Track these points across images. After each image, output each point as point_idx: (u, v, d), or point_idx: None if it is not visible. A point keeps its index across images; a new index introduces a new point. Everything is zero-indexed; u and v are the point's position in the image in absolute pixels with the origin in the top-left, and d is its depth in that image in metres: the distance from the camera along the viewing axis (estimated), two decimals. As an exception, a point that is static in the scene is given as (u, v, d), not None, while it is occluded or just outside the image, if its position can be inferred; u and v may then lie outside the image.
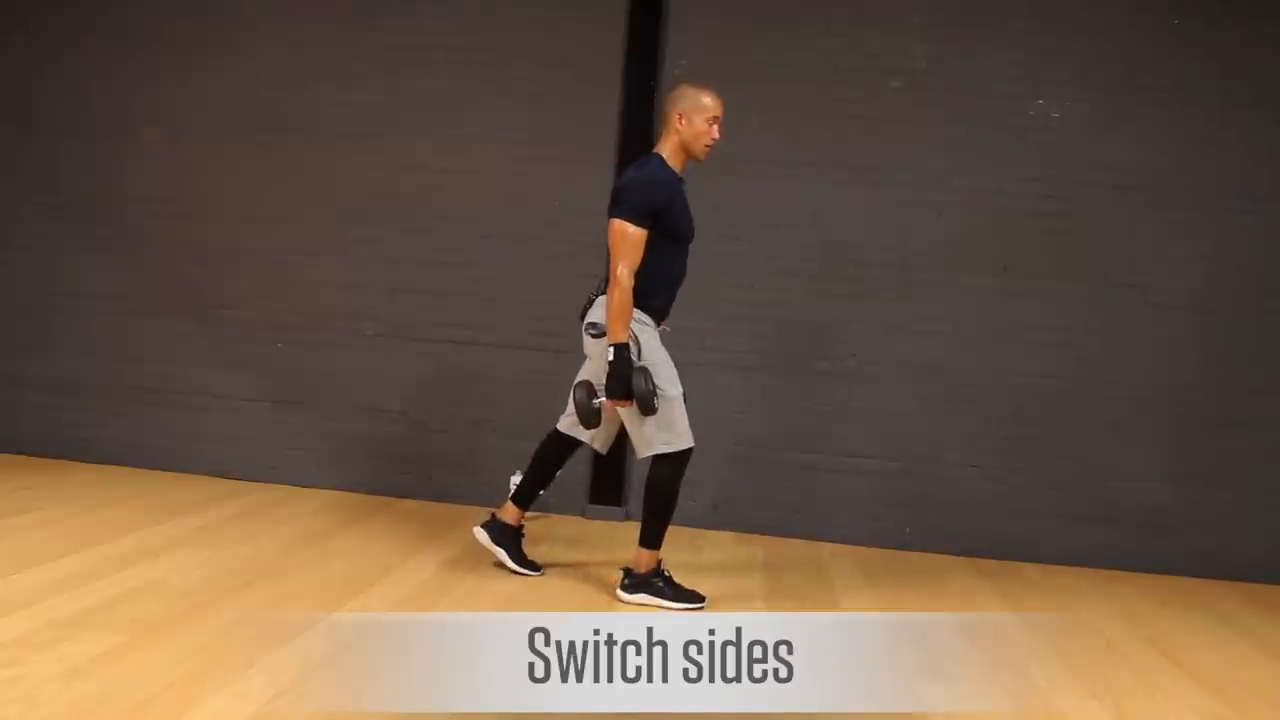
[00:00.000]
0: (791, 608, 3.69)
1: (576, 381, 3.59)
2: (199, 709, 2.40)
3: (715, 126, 3.56)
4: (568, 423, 3.77)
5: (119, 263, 5.15)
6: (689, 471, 3.62)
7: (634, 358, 3.43)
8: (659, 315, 3.61)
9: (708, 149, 3.59)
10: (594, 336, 3.54)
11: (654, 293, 3.53)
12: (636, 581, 3.58)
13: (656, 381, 3.42)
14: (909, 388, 4.81)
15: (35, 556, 3.47)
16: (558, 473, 3.90)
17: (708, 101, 3.54)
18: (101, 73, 5.13)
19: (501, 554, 3.79)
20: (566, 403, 3.76)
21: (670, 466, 3.54)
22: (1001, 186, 4.75)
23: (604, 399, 3.46)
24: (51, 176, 5.19)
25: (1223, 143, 4.67)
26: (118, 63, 5.12)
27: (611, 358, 3.39)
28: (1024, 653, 3.37)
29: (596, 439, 3.77)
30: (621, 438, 3.75)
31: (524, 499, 3.84)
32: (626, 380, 3.38)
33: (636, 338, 3.48)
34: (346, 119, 5.00)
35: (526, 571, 3.79)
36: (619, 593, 3.60)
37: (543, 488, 3.87)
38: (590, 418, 3.53)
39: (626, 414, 3.52)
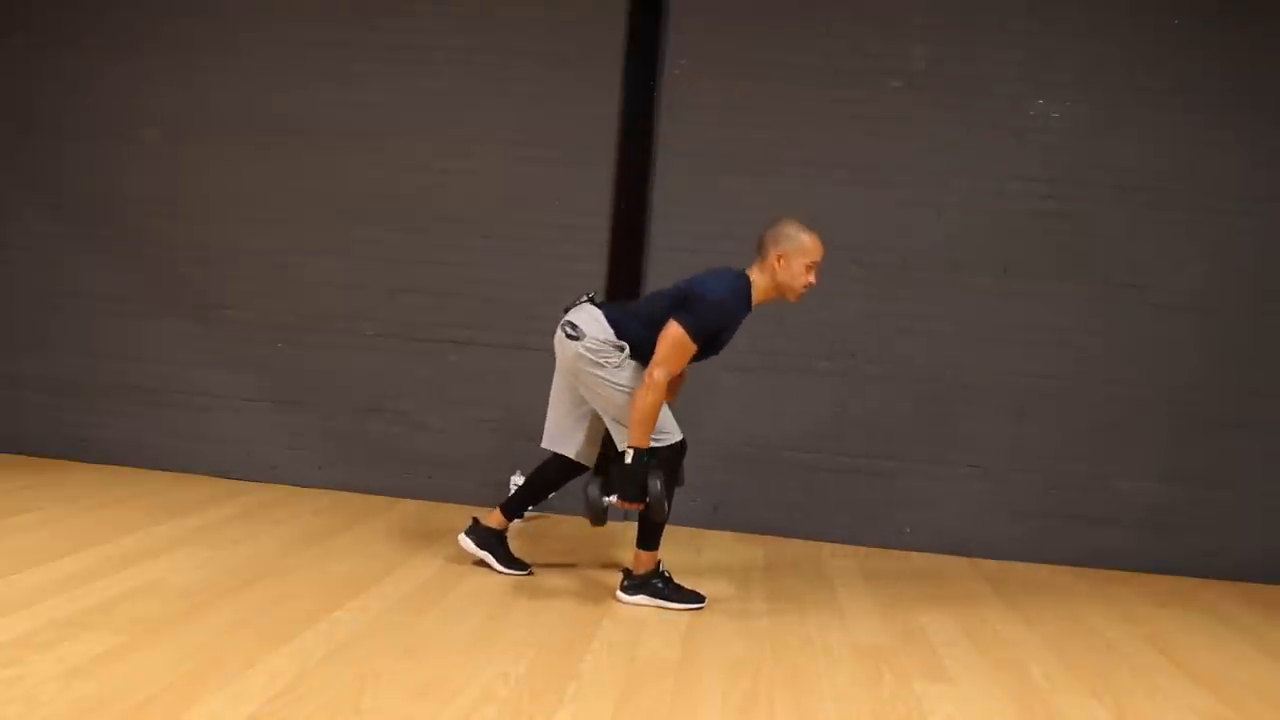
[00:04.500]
0: (791, 609, 3.69)
1: (587, 481, 3.49)
2: (199, 709, 2.40)
3: (812, 272, 3.50)
4: (551, 441, 3.73)
5: (119, 263, 5.16)
6: (688, 473, 3.61)
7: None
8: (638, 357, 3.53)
9: (802, 293, 3.53)
10: (569, 337, 3.53)
11: (648, 351, 3.46)
12: (636, 583, 3.59)
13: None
14: (909, 388, 4.81)
15: (35, 556, 3.47)
16: (550, 495, 3.89)
17: (809, 244, 3.47)
18: (101, 73, 5.13)
19: (488, 558, 3.79)
20: (547, 422, 3.75)
21: (662, 463, 3.52)
22: (1001, 186, 4.76)
23: (615, 500, 3.42)
24: (51, 176, 5.19)
25: (1223, 143, 4.68)
26: (118, 63, 5.12)
27: (630, 461, 3.37)
28: (1024, 653, 3.38)
29: (581, 455, 3.72)
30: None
31: (512, 510, 3.83)
32: (642, 485, 3.36)
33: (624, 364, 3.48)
34: (346, 119, 5.00)
35: (514, 572, 3.78)
36: (619, 594, 3.60)
37: (533, 504, 3.86)
38: (600, 516, 3.45)
39: (606, 415, 3.51)
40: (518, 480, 4.23)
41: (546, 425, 3.75)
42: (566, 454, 3.73)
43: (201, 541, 3.89)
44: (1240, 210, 4.67)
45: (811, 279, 3.51)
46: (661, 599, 3.56)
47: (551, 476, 3.80)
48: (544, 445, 3.76)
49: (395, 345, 5.01)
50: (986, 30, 4.74)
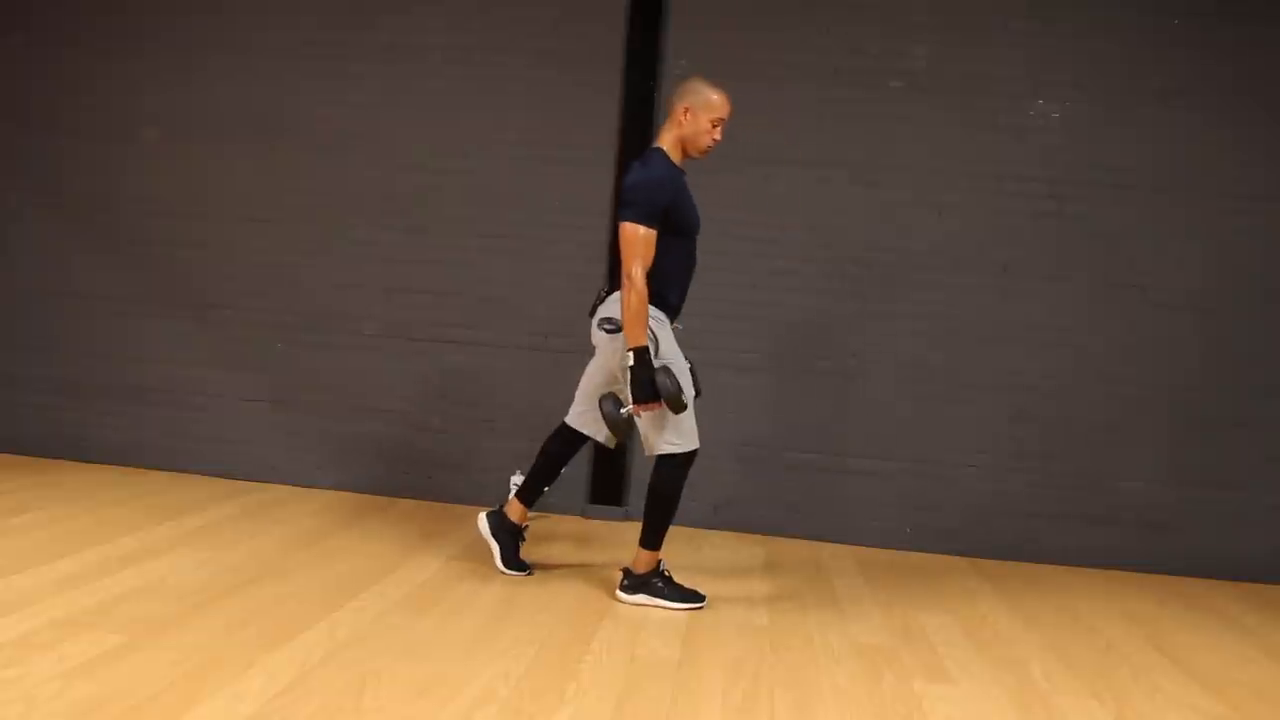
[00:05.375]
0: (791, 608, 3.69)
1: (601, 395, 3.53)
2: (199, 709, 2.40)
3: (719, 128, 3.52)
4: (576, 417, 3.75)
5: (119, 263, 5.16)
6: (689, 472, 3.61)
7: (653, 357, 3.41)
8: (675, 311, 3.58)
9: (707, 149, 3.55)
10: (610, 332, 3.50)
11: (669, 289, 3.51)
12: (635, 582, 3.58)
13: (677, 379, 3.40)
14: (909, 388, 4.81)
15: (35, 556, 3.47)
16: (563, 469, 3.86)
17: (716, 100, 3.49)
18: (101, 73, 5.13)
19: (495, 549, 3.79)
20: (575, 397, 3.76)
21: (675, 467, 3.52)
22: (1001, 186, 4.75)
23: (632, 407, 3.43)
24: (51, 176, 5.19)
25: (1223, 143, 4.68)
26: (118, 63, 5.12)
27: (633, 362, 3.36)
28: (1024, 652, 3.38)
29: (608, 440, 3.72)
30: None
31: (529, 495, 3.81)
32: (652, 383, 3.35)
33: (655, 335, 3.46)
34: (344, 119, 5.01)
35: (512, 572, 3.78)
36: (618, 593, 3.60)
37: (549, 483, 3.82)
38: (621, 428, 3.50)
39: (644, 415, 3.48)
40: (517, 480, 4.22)
41: (574, 406, 3.76)
42: (592, 436, 3.74)
43: (201, 541, 3.89)
44: (1240, 210, 4.67)
45: (717, 135, 3.53)
46: (661, 598, 3.56)
47: (561, 449, 3.80)
48: (569, 421, 3.76)
49: (394, 345, 5.01)
50: (986, 30, 4.74)
